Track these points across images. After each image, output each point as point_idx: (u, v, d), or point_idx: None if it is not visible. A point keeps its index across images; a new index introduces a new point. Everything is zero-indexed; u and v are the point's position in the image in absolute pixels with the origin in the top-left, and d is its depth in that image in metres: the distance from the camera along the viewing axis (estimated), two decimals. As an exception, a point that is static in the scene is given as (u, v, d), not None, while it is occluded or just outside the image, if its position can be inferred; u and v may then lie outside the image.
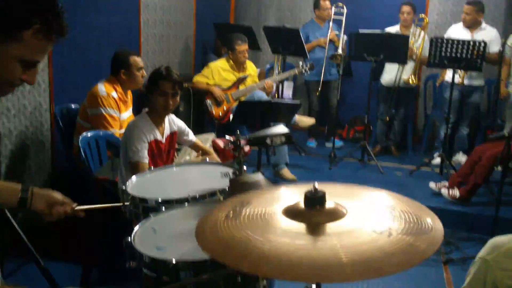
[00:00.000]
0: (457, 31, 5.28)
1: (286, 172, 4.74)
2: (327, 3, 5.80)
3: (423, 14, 5.61)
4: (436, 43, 4.72)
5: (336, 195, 1.28)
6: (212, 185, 2.00)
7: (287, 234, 1.15)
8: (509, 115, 4.98)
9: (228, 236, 1.17)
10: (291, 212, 1.23)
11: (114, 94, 3.46)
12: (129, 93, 3.68)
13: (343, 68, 5.33)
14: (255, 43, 5.68)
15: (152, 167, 2.52)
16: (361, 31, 5.15)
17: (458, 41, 4.67)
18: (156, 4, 5.21)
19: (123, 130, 3.21)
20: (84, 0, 4.00)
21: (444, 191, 4.30)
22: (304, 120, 5.28)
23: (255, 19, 7.05)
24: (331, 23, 5.74)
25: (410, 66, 5.43)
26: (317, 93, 5.73)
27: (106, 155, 3.36)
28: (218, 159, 3.14)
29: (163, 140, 2.94)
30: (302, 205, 1.23)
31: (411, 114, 6.19)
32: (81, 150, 3.15)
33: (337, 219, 1.19)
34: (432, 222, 1.18)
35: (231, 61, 5.02)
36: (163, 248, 1.62)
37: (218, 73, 5.00)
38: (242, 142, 1.96)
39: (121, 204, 1.96)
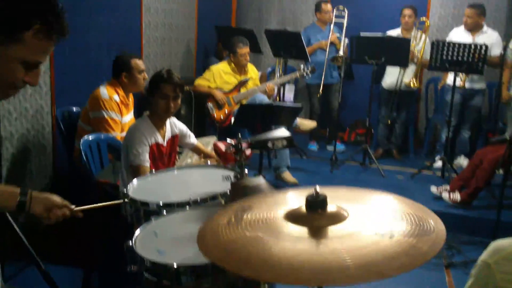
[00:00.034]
0: (459, 34, 5.28)
1: (288, 175, 4.74)
2: (329, 6, 5.81)
3: (424, 17, 5.61)
4: (438, 46, 4.72)
5: (337, 198, 1.28)
6: (213, 188, 1.99)
7: (289, 238, 1.15)
8: (510, 118, 4.98)
9: (229, 242, 1.17)
10: (293, 216, 1.23)
11: (116, 97, 3.46)
12: (131, 96, 3.68)
13: (344, 71, 5.33)
14: (256, 46, 5.68)
15: (153, 170, 2.52)
16: (363, 34, 5.15)
17: (460, 44, 4.67)
18: (158, 7, 5.22)
19: (124, 133, 3.21)
20: (86, 3, 4.01)
21: (445, 195, 4.30)
22: (306, 123, 5.28)
23: (257, 22, 7.06)
24: (332, 26, 5.75)
25: (411, 69, 5.43)
26: (318, 96, 5.73)
27: (107, 158, 3.36)
28: (220, 162, 3.14)
29: (164, 143, 2.93)
30: (303, 209, 1.22)
31: (412, 117, 6.19)
32: (82, 153, 3.15)
33: (339, 222, 1.18)
34: (434, 223, 1.18)
35: (232, 64, 5.02)
36: (164, 252, 1.62)
37: (219, 76, 5.00)
38: (244, 145, 1.95)
39: (120, 201, 1.97)
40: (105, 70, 3.63)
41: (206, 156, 3.15)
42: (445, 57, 4.69)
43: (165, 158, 2.95)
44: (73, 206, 1.76)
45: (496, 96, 5.31)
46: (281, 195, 1.47)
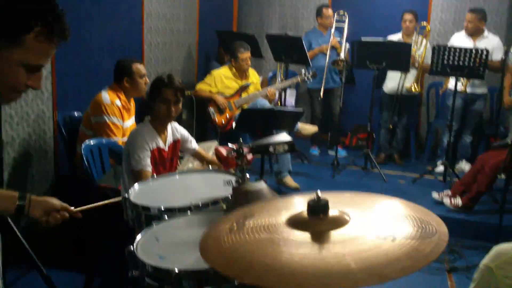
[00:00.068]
0: (460, 39, 5.29)
1: (289, 180, 4.74)
2: (330, 11, 5.82)
3: (425, 22, 5.62)
4: (439, 51, 4.72)
5: (339, 203, 1.28)
6: (215, 193, 1.99)
7: (292, 244, 1.15)
8: (512, 123, 4.98)
9: (232, 248, 1.17)
10: (295, 222, 1.23)
11: (118, 102, 3.47)
12: (132, 101, 3.68)
13: (345, 76, 5.33)
14: (257, 51, 5.69)
15: (155, 175, 2.52)
16: (364, 39, 5.16)
17: (460, 49, 4.67)
18: (159, 12, 5.24)
19: (126, 138, 3.21)
20: (87, 8, 4.02)
21: (446, 200, 4.29)
22: (307, 128, 5.28)
23: (258, 27, 7.08)
24: (332, 30, 5.76)
25: (412, 74, 5.44)
26: (320, 98, 5.72)
27: (108, 163, 3.36)
28: (221, 167, 3.14)
29: (166, 148, 2.93)
30: (305, 214, 1.22)
31: (413, 122, 6.19)
32: (84, 158, 3.15)
33: (341, 227, 1.18)
34: (436, 225, 1.17)
35: (233, 69, 5.03)
36: (165, 257, 1.61)
37: (220, 81, 5.00)
38: (245, 150, 1.95)
39: (120, 198, 1.97)
40: (107, 75, 3.64)
41: (207, 162, 3.14)
42: (446, 61, 4.70)
43: (166, 162, 2.95)
44: (72, 208, 1.77)
45: (497, 101, 5.31)
46: (282, 200, 1.47)
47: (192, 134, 3.19)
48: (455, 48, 4.70)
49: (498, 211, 3.76)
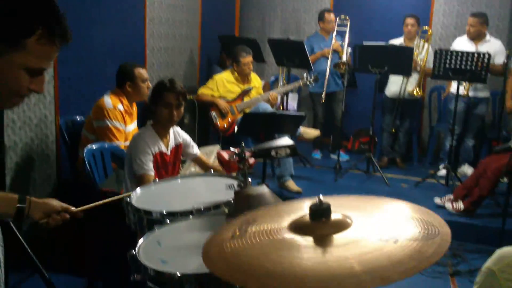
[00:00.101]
0: (462, 44, 5.29)
1: (291, 184, 4.73)
2: (332, 15, 5.83)
3: (426, 26, 5.63)
4: (441, 54, 4.73)
5: (341, 206, 1.28)
6: (216, 197, 1.99)
7: (294, 249, 1.14)
8: (515, 127, 4.97)
9: (234, 255, 1.16)
10: (297, 226, 1.22)
11: (120, 106, 3.47)
12: (134, 105, 3.69)
13: (347, 80, 5.34)
14: (259, 56, 5.70)
15: (157, 179, 2.52)
16: (365, 43, 5.17)
17: (462, 52, 4.68)
18: (161, 17, 5.25)
19: (128, 143, 3.22)
20: (90, 13, 4.04)
21: (448, 205, 4.28)
22: (309, 132, 5.28)
23: (260, 32, 7.10)
24: (334, 34, 5.77)
25: (414, 77, 5.44)
26: (322, 101, 5.72)
27: (111, 167, 3.37)
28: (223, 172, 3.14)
29: (168, 152, 2.93)
30: (307, 218, 1.22)
31: (416, 126, 6.18)
32: (86, 162, 3.15)
33: (343, 230, 1.18)
34: (439, 226, 1.17)
35: (235, 73, 5.04)
36: (167, 261, 1.61)
37: (223, 85, 5.01)
38: (247, 154, 1.95)
39: (121, 196, 1.96)
40: (109, 79, 3.65)
41: (207, 168, 3.14)
42: (448, 65, 4.70)
43: (169, 167, 2.95)
44: (73, 208, 1.77)
45: (499, 105, 5.30)
46: (284, 205, 1.47)
47: (194, 138, 3.19)
48: (457, 52, 4.70)
49: (500, 214, 3.75)
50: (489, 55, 4.60)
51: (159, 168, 2.88)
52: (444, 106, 5.81)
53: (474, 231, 4.10)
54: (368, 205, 1.36)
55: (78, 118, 3.79)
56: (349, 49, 5.61)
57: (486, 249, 3.84)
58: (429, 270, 3.48)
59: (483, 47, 5.08)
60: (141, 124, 3.68)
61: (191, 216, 1.90)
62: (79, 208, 1.82)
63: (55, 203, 1.74)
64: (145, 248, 1.69)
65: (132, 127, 3.61)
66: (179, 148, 3.03)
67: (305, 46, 5.19)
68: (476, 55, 4.62)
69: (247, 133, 4.41)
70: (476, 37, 5.21)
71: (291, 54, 5.19)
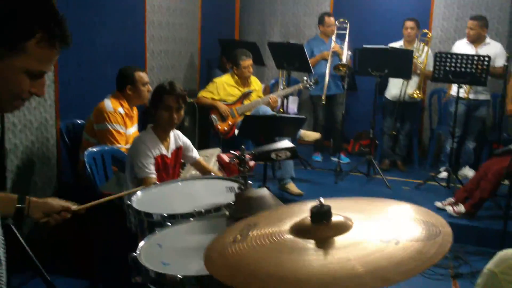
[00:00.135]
0: (462, 47, 5.30)
1: (292, 186, 4.73)
2: (332, 19, 5.84)
3: (426, 29, 5.64)
4: (441, 57, 4.73)
5: (341, 208, 1.28)
6: (217, 200, 1.99)
7: (296, 252, 1.14)
8: (515, 129, 4.97)
9: (236, 259, 1.17)
10: (299, 229, 1.23)
11: (120, 110, 3.48)
12: (135, 108, 3.70)
13: (348, 83, 5.34)
14: (259, 59, 5.71)
15: (158, 181, 2.52)
16: (365, 46, 5.17)
17: (462, 55, 4.69)
18: (161, 21, 5.26)
19: (129, 146, 3.22)
20: (90, 16, 4.05)
21: (449, 208, 4.28)
22: (310, 135, 5.28)
23: (260, 35, 7.11)
24: (333, 37, 5.77)
25: (414, 80, 5.44)
26: (323, 103, 5.72)
27: (111, 170, 3.37)
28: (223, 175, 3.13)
29: (169, 155, 2.94)
30: (308, 221, 1.22)
31: (416, 129, 6.19)
32: (87, 165, 3.16)
33: (345, 232, 1.18)
34: (440, 226, 1.17)
35: (235, 77, 5.04)
36: (168, 264, 1.61)
37: (223, 88, 5.02)
38: (247, 156, 1.96)
39: (123, 194, 1.97)
40: (109, 82, 3.65)
41: (207, 172, 3.13)
42: (448, 68, 4.71)
43: (169, 169, 2.95)
44: (74, 207, 1.78)
45: (500, 107, 5.30)
46: (285, 208, 1.47)
47: (194, 141, 3.19)
48: (457, 55, 4.71)
49: (502, 217, 3.75)
50: (489, 57, 4.60)
51: (160, 171, 2.88)
52: (445, 109, 5.81)
53: (476, 233, 4.10)
54: (369, 207, 1.36)
55: (78, 121, 3.79)
56: (349, 52, 5.62)
57: (488, 251, 3.84)
58: (431, 273, 3.47)
59: (483, 50, 5.09)
60: (141, 127, 3.69)
61: (192, 219, 1.90)
62: (80, 207, 1.83)
63: (55, 203, 1.75)
64: (146, 251, 1.70)
65: (132, 130, 3.61)
66: (180, 151, 3.04)
67: (305, 50, 5.20)
68: (476, 58, 4.62)
69: (247, 136, 4.41)
70: (476, 40, 5.22)
71: (291, 58, 5.20)
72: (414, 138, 6.04)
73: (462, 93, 5.01)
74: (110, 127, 3.40)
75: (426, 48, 5.45)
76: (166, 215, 1.90)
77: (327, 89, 5.68)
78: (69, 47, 1.18)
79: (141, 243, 1.73)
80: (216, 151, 3.86)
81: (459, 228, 4.04)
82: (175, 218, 1.90)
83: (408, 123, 5.78)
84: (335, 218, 1.22)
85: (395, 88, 5.58)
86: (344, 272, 1.03)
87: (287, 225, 1.27)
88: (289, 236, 1.22)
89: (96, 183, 3.20)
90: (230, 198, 1.90)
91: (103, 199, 2.01)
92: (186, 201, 2.10)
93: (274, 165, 4.87)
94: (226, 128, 4.94)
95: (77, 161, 3.54)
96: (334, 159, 5.82)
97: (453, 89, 5.21)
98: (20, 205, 1.64)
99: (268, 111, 4.92)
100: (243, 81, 5.06)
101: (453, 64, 4.68)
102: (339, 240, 1.16)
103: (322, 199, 1.22)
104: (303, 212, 1.29)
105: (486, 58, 4.58)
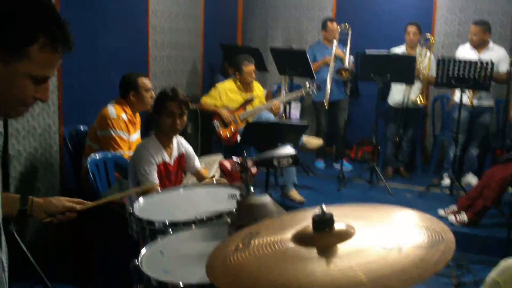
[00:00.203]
0: (465, 52, 5.28)
1: (294, 193, 4.72)
2: (335, 24, 5.85)
3: (428, 34, 5.63)
4: (443, 63, 4.72)
5: (344, 216, 1.27)
6: (219, 207, 1.99)
7: (298, 260, 1.14)
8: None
9: (238, 268, 1.16)
10: (301, 238, 1.22)
11: (124, 116, 3.48)
12: (138, 115, 3.70)
13: (350, 88, 5.33)
14: (262, 65, 5.71)
15: (160, 189, 2.52)
16: (368, 51, 5.17)
17: (465, 61, 4.67)
18: (164, 26, 5.28)
19: (131, 152, 3.22)
20: (93, 22, 4.06)
21: (451, 217, 4.24)
22: (312, 141, 5.27)
23: (262, 41, 7.12)
24: (335, 42, 5.77)
25: (417, 86, 5.43)
26: (325, 109, 5.71)
27: (114, 176, 3.37)
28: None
29: (172, 162, 2.93)
30: (310, 229, 1.22)
31: (419, 135, 6.17)
32: (90, 172, 3.16)
33: (347, 240, 1.18)
34: (443, 233, 1.16)
35: (238, 82, 5.05)
36: (170, 271, 1.61)
37: (225, 94, 5.02)
38: (249, 163, 1.95)
39: (126, 193, 1.96)
40: (112, 88, 3.66)
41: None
42: (451, 74, 4.70)
43: (172, 176, 2.95)
44: (79, 206, 1.79)
45: (504, 114, 5.29)
46: (287, 216, 1.46)
47: (196, 148, 3.19)
48: (460, 60, 4.70)
49: (505, 225, 3.73)
50: (492, 63, 4.59)
51: (163, 178, 2.87)
52: (448, 115, 5.79)
53: (479, 241, 4.07)
54: (371, 214, 1.35)
55: (81, 127, 3.80)
56: (351, 57, 5.62)
57: (491, 260, 3.81)
58: (434, 282, 3.45)
59: (486, 55, 5.07)
60: (144, 133, 3.69)
61: (193, 226, 1.89)
62: (86, 206, 1.83)
63: (59, 203, 1.76)
64: (147, 258, 1.69)
65: (135, 136, 3.61)
66: (182, 158, 3.03)
67: (308, 55, 5.21)
68: (479, 63, 4.61)
69: (249, 142, 4.40)
70: (479, 45, 5.20)
71: (294, 63, 5.21)
72: (417, 144, 6.03)
73: (466, 100, 4.99)
74: (113, 134, 3.40)
75: (428, 53, 5.44)
76: (168, 222, 1.90)
77: (330, 95, 5.67)
78: (72, 52, 1.18)
79: (143, 251, 1.73)
80: (218, 157, 3.86)
81: (462, 236, 4.02)
82: (177, 226, 1.90)
83: (411, 130, 5.77)
84: (337, 225, 1.21)
85: (398, 94, 5.56)
86: (347, 281, 1.02)
87: (289, 233, 1.26)
88: (291, 245, 1.21)
89: (99, 189, 3.20)
90: (232, 205, 1.90)
91: (104, 199, 2.01)
92: (188, 209, 2.09)
93: (276, 171, 4.86)
94: (228, 135, 4.94)
95: (80, 168, 3.54)
96: (337, 166, 5.80)
97: (457, 95, 5.19)
98: (22, 207, 1.67)
99: (271, 117, 4.92)
100: (246, 86, 5.06)
101: (456, 70, 4.67)
102: (341, 248, 1.15)
103: (324, 207, 1.21)
104: (305, 219, 1.29)
105: (490, 64, 4.57)
